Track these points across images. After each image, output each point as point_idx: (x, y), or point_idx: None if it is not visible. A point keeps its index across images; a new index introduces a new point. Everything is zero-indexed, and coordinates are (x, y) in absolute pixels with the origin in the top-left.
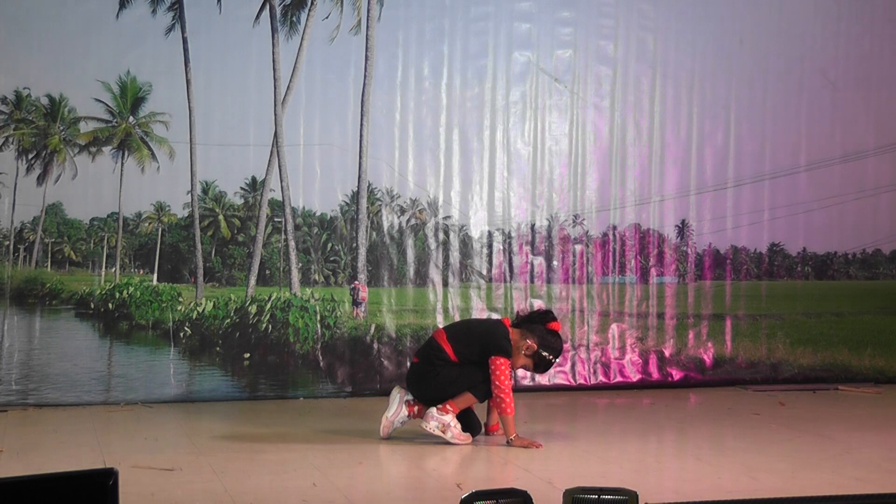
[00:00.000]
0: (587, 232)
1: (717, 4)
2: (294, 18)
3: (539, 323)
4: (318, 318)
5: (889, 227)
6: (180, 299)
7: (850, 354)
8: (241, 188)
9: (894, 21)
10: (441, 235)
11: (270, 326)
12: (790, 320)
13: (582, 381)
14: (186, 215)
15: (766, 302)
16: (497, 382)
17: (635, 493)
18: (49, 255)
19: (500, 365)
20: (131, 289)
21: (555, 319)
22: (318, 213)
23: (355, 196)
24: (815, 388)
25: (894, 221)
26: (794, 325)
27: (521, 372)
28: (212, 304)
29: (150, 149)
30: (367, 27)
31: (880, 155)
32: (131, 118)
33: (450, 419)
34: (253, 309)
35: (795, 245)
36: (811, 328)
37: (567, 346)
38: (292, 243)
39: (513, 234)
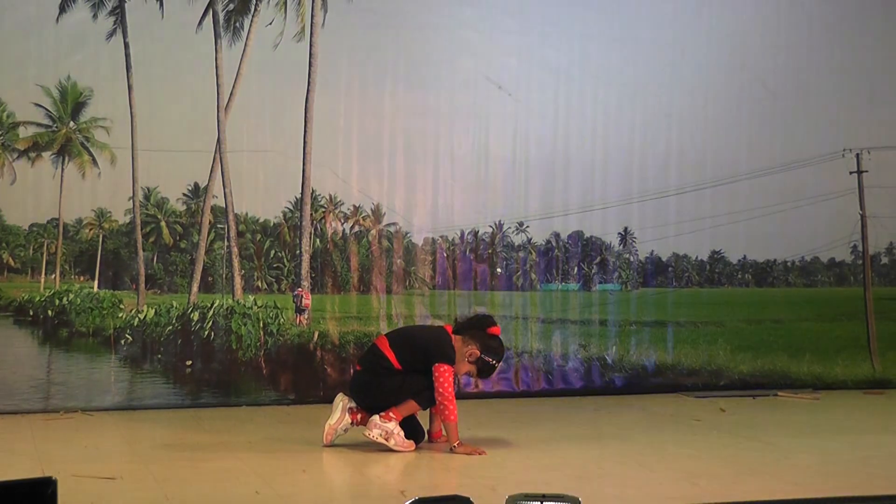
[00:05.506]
0: (530, 239)
1: (659, 13)
2: (237, 24)
3: (479, 328)
4: (261, 325)
5: (827, 235)
6: (121, 306)
7: (789, 361)
8: (184, 194)
9: (831, 32)
10: (385, 242)
11: (213, 333)
12: (731, 327)
13: (525, 388)
14: (128, 221)
15: (707, 309)
16: (441, 389)
17: (577, 499)
18: None
19: (443, 372)
20: (71, 296)
21: (494, 324)
22: (261, 220)
23: (299, 203)
24: (754, 394)
25: (832, 230)
26: (735, 331)
27: (463, 378)
28: (153, 311)
29: (90, 154)
30: (311, 34)
31: (819, 164)
32: (72, 123)
33: (393, 426)
34: (195, 316)
35: (736, 253)
36: (751, 335)
37: (510, 352)
38: (235, 250)
39: (456, 241)
